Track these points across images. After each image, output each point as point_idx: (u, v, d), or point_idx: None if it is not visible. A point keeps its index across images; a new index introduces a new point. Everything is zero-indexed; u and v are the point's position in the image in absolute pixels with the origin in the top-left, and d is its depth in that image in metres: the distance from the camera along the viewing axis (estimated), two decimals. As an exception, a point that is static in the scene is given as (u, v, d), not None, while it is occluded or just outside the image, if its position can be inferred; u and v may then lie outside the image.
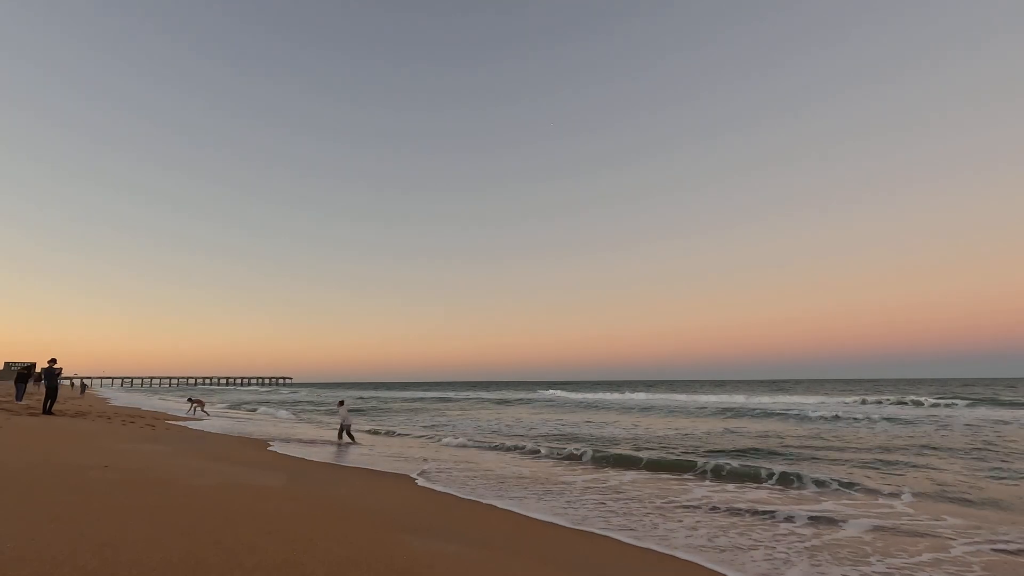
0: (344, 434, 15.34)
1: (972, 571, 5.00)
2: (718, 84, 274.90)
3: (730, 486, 9.17)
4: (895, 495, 8.34)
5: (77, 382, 63.84)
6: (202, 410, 25.31)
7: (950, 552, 5.56)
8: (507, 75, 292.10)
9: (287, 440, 15.13)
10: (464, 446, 14.55)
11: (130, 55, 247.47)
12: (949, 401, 31.72)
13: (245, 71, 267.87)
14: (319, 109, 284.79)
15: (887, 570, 5.01)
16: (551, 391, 60.03)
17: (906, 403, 32.06)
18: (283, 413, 30.21)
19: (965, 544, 5.83)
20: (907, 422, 20.84)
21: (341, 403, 16.71)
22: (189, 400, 26.12)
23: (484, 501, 7.55)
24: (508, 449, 13.76)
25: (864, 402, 33.45)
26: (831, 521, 6.80)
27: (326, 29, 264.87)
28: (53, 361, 16.66)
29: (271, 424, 22.08)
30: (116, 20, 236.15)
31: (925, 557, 5.41)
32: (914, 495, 8.34)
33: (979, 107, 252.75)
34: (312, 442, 14.96)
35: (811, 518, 6.93)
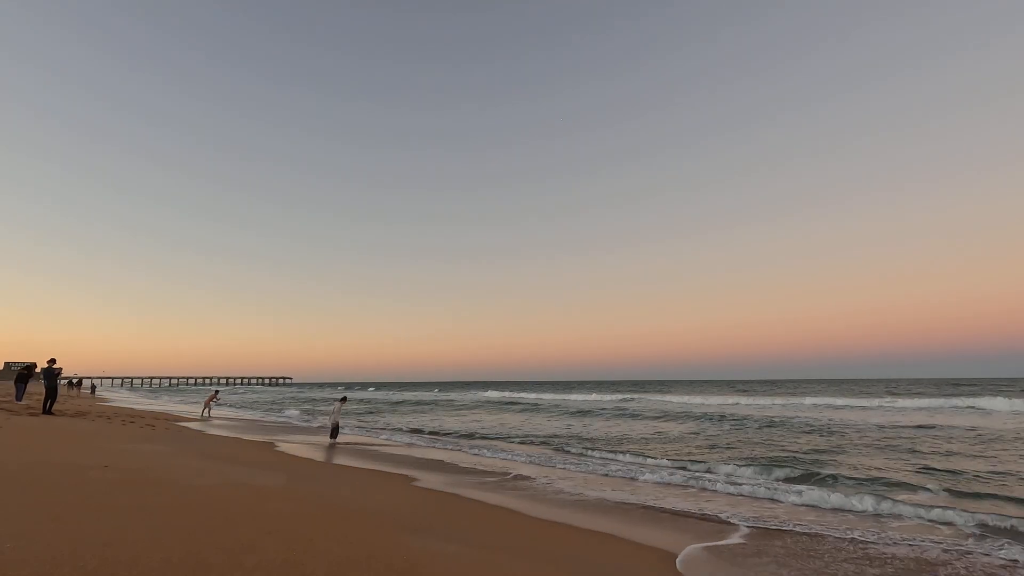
0: (334, 433, 15.16)
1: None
2: (718, 84, 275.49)
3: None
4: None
5: (87, 383, 64.25)
6: (208, 410, 24.58)
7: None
8: (509, 74, 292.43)
9: (288, 440, 15.14)
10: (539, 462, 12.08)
11: (133, 55, 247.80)
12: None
13: (247, 70, 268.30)
14: (321, 108, 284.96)
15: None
16: (549, 394, 60.16)
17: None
18: (292, 412, 30.28)
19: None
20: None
21: (343, 399, 16.33)
22: (207, 404, 24.94)
23: (485, 500, 7.57)
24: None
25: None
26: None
27: (329, 28, 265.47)
28: (52, 361, 16.68)
29: (269, 424, 22.11)
30: (118, 19, 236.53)
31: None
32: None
33: (978, 107, 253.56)
34: (313, 443, 14.97)
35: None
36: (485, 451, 14.05)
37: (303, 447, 13.61)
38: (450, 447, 15.18)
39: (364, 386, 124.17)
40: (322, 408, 34.40)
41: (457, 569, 3.85)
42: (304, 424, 22.56)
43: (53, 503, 4.33)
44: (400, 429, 21.08)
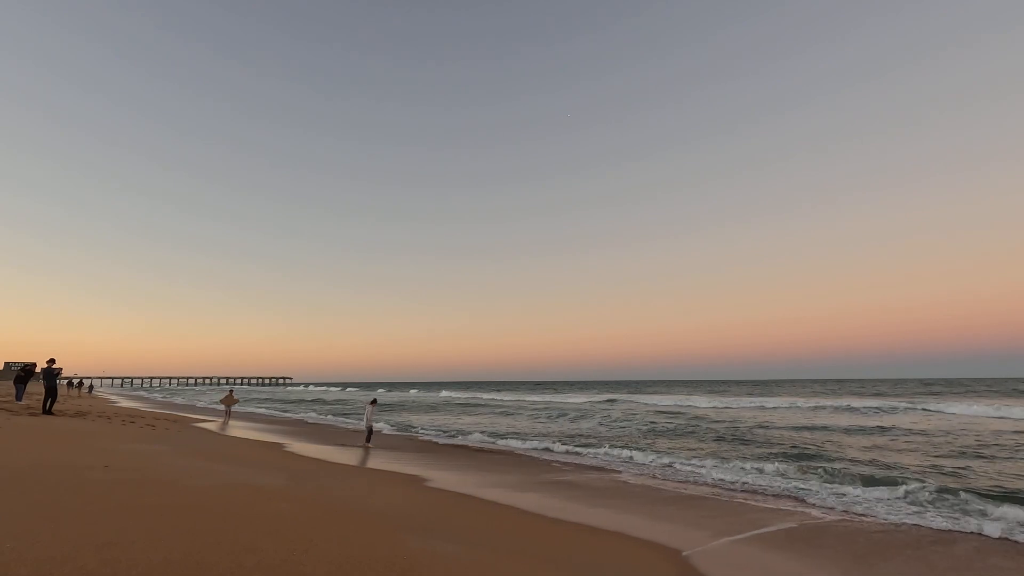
0: (369, 436, 14.89)
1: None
2: (717, 82, 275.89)
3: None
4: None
5: (86, 382, 64.42)
6: (228, 413, 22.98)
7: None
8: (508, 72, 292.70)
9: (311, 443, 15.14)
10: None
11: (137, 54, 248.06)
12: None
13: (251, 69, 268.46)
14: (326, 106, 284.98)
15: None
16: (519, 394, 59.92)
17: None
18: (311, 413, 30.27)
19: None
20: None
21: (373, 402, 15.77)
22: (226, 406, 22.94)
23: (498, 501, 7.57)
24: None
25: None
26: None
27: (333, 27, 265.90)
28: (52, 361, 16.66)
29: (289, 424, 22.09)
30: (122, 17, 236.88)
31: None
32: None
33: (976, 106, 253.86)
34: (323, 443, 14.97)
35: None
36: (505, 451, 14.30)
37: (312, 447, 13.60)
38: (470, 445, 15.57)
39: (345, 386, 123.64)
40: (333, 410, 34.43)
41: (457, 570, 3.85)
42: (342, 426, 22.66)
43: (53, 503, 4.33)
44: (414, 428, 21.31)
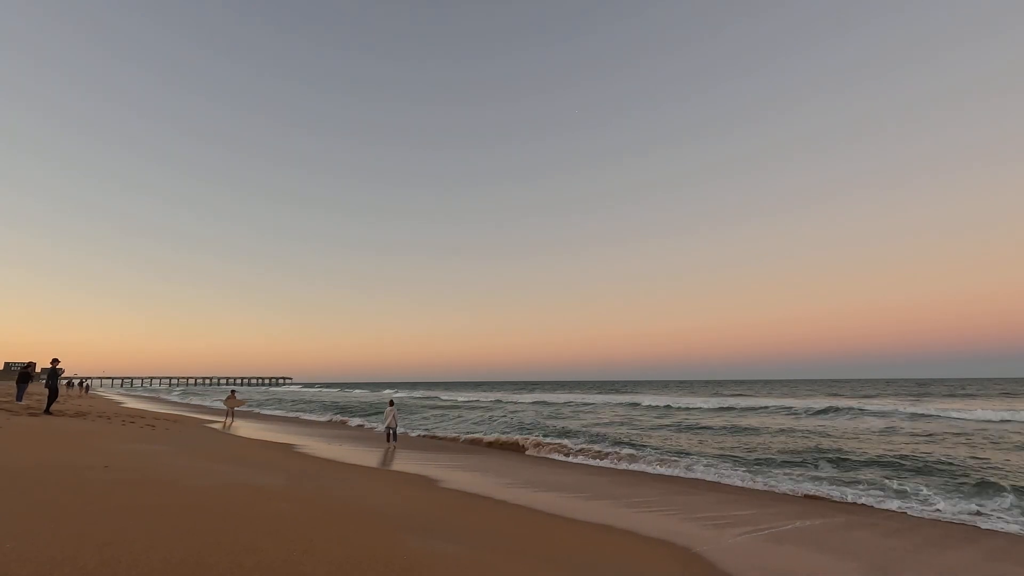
0: (389, 436, 14.95)
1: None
2: (716, 81, 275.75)
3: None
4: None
5: (84, 383, 64.56)
6: (231, 419, 22.29)
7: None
8: (508, 71, 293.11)
9: (300, 439, 15.12)
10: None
11: (136, 53, 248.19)
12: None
13: (250, 68, 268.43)
14: (328, 107, 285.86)
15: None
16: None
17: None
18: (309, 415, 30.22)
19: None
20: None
21: (391, 403, 15.93)
22: (228, 407, 22.22)
23: (508, 500, 7.57)
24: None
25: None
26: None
27: (334, 26, 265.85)
28: (56, 361, 16.67)
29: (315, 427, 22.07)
30: (122, 17, 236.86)
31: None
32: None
33: (975, 107, 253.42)
34: (330, 444, 14.95)
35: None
36: (530, 453, 14.36)
37: (318, 447, 13.58)
38: (459, 439, 15.75)
39: (320, 387, 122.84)
40: (332, 409, 34.41)
41: (456, 570, 3.84)
42: (351, 424, 22.71)
43: (53, 503, 4.32)
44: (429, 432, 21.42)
